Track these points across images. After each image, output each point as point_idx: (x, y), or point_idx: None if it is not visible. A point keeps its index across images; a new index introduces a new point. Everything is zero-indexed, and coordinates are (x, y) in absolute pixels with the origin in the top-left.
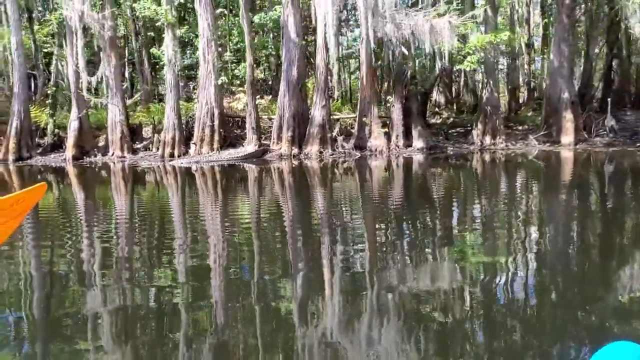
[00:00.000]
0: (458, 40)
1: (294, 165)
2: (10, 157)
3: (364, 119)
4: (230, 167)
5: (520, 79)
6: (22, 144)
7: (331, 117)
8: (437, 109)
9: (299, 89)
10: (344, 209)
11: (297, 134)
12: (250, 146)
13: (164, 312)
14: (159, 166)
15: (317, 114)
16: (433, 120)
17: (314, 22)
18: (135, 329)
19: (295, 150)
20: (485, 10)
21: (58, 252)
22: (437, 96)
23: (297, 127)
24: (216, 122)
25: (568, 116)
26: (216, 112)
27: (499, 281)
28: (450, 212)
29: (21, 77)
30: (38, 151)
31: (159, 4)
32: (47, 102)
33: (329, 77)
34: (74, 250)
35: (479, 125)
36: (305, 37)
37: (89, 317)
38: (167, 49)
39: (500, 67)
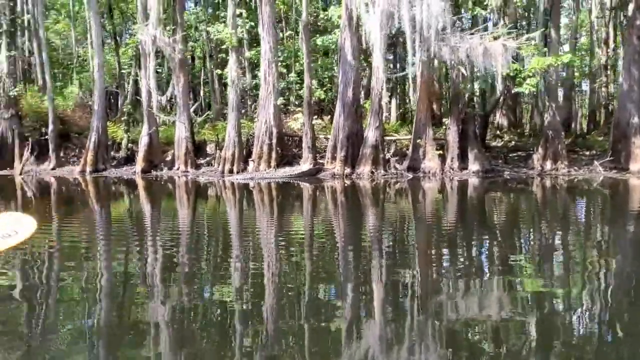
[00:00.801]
0: (515, 62)
1: (346, 185)
2: (88, 168)
3: (418, 140)
4: (285, 185)
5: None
6: (98, 156)
7: (385, 138)
8: (498, 132)
9: (354, 110)
10: (392, 228)
11: (350, 154)
12: (305, 165)
13: (219, 322)
14: (218, 181)
15: (370, 134)
16: (494, 143)
17: (364, 44)
18: (191, 339)
19: (347, 170)
20: (549, 32)
21: (125, 261)
22: (500, 119)
23: (351, 147)
24: (274, 141)
25: (637, 142)
26: (274, 131)
27: (557, 314)
28: (504, 238)
29: (100, 95)
30: (113, 164)
31: None
32: (122, 118)
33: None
34: (139, 259)
35: (540, 150)
36: (369, 60)
37: (150, 324)
38: (231, 71)
39: (584, 88)
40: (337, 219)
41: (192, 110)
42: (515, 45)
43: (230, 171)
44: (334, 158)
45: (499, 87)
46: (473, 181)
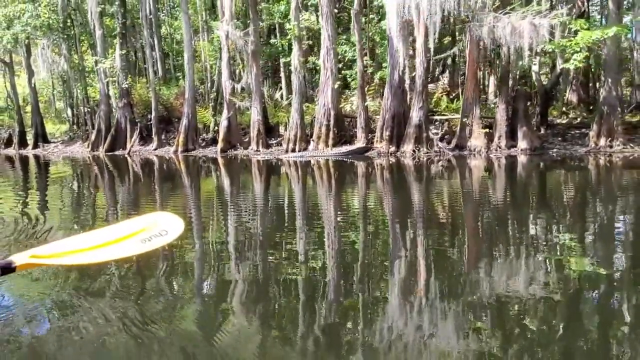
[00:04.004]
0: (561, 36)
1: (390, 162)
2: (180, 148)
3: (464, 119)
4: (334, 162)
5: None
6: (188, 138)
7: (430, 117)
8: (564, 109)
9: (400, 91)
10: (423, 202)
11: (395, 133)
12: (358, 144)
13: (281, 283)
14: (275, 159)
15: (414, 114)
16: (559, 120)
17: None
18: (262, 298)
19: (392, 149)
20: (607, 3)
21: (208, 226)
22: (569, 95)
23: (397, 127)
24: (331, 122)
25: None
26: (332, 112)
27: (597, 293)
28: (539, 214)
29: (190, 85)
30: (202, 144)
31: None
32: (210, 105)
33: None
34: (221, 225)
35: (595, 126)
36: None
37: (227, 284)
38: (294, 59)
39: None
40: (380, 194)
41: (278, 94)
42: (547, 23)
43: (293, 150)
44: (382, 137)
45: (559, 63)
46: (517, 159)
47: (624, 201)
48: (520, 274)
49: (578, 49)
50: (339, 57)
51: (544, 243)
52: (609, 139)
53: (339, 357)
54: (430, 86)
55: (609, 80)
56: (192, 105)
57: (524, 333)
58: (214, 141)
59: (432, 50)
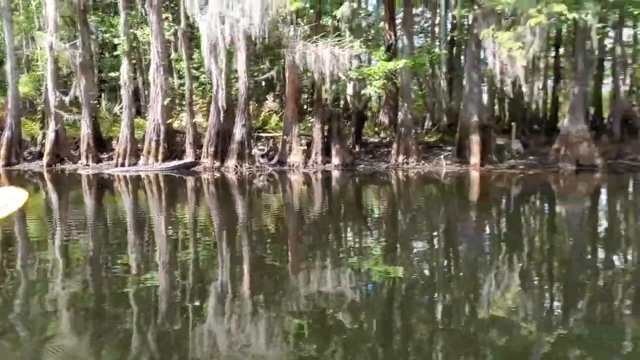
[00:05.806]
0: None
1: (216, 177)
2: (1, 162)
3: (285, 137)
4: (162, 177)
5: None
6: (11, 151)
7: (257, 134)
8: (377, 129)
9: (224, 109)
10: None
11: (220, 149)
12: (187, 159)
13: (114, 297)
14: (106, 173)
15: (237, 132)
16: (372, 139)
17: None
18: (92, 312)
19: (217, 164)
20: (403, 38)
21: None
22: (382, 117)
23: (221, 143)
24: (161, 137)
25: (475, 139)
26: (162, 128)
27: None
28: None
29: (13, 94)
30: (29, 158)
31: None
32: (37, 117)
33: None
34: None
35: (395, 145)
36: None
37: (54, 301)
38: (123, 74)
39: None
40: (204, 206)
41: (118, 108)
42: (347, 53)
43: (123, 164)
44: (208, 153)
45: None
46: (330, 174)
47: (413, 206)
48: (335, 278)
49: (377, 77)
50: (180, 73)
51: (354, 248)
52: (405, 156)
53: None
54: (271, 104)
55: (405, 105)
56: (16, 116)
57: (339, 334)
58: (41, 155)
59: (239, 71)
